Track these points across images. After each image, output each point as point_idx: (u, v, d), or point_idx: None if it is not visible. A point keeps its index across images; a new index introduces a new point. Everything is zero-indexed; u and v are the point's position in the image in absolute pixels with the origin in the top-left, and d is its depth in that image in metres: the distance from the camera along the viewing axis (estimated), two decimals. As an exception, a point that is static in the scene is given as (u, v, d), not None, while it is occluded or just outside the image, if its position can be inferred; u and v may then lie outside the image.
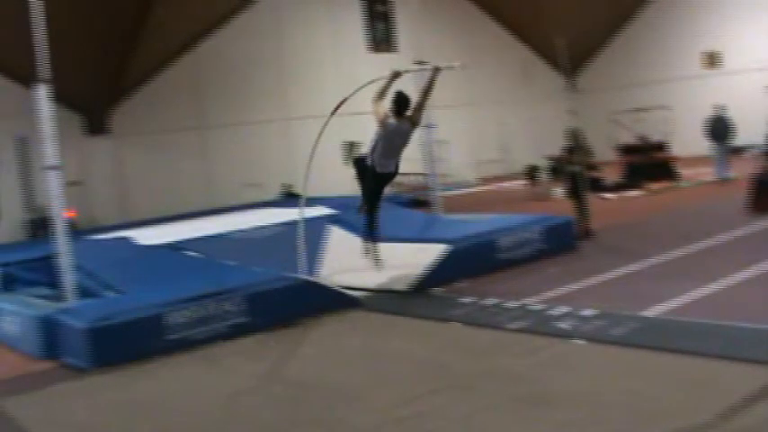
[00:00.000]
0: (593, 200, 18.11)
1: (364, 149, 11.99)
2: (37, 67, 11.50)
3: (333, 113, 12.81)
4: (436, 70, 12.20)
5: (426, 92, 12.07)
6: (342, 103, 12.84)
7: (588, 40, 37.42)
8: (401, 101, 11.72)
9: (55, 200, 11.63)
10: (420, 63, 12.72)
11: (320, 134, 12.85)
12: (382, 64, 32.58)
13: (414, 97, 12.00)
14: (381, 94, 11.95)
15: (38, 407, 8.86)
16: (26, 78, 21.56)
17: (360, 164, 12.51)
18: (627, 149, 26.53)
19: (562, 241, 14.60)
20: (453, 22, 35.69)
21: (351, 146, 29.84)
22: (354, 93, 12.72)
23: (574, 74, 38.56)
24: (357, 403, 7.73)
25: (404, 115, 11.74)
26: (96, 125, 26.73)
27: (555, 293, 11.28)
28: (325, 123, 12.79)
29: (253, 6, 29.49)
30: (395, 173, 12.32)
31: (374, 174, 12.04)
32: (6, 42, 22.78)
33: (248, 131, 28.07)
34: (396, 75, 12.14)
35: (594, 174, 21.57)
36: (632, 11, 37.67)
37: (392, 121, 11.66)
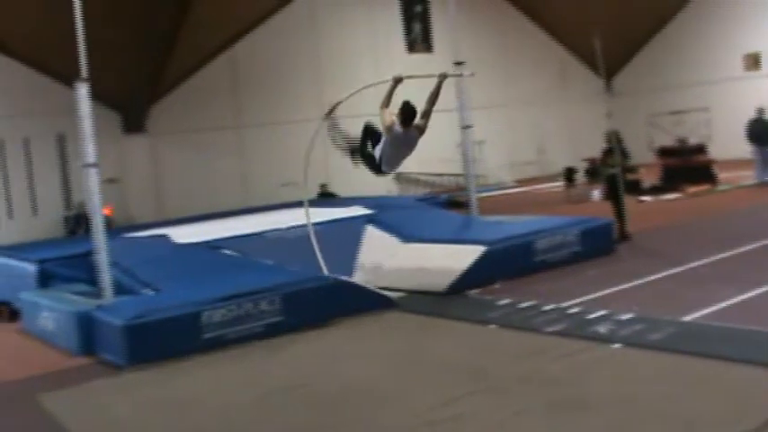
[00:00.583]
0: (631, 203, 17.95)
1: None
2: (77, 66, 11.57)
3: (327, 116, 12.81)
4: (442, 77, 12.18)
5: (433, 99, 12.07)
6: (335, 106, 12.82)
7: (627, 41, 37.14)
8: (408, 112, 11.63)
9: (93, 197, 11.69)
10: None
11: (312, 139, 12.81)
12: (419, 64, 32.70)
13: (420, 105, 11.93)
14: (386, 101, 11.89)
15: (75, 403, 8.90)
16: (66, 77, 21.75)
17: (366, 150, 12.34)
18: (665, 152, 26.27)
19: (600, 244, 14.47)
20: (490, 22, 35.54)
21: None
22: (350, 96, 12.71)
23: (612, 75, 38.28)
24: (392, 405, 7.68)
25: (410, 125, 11.66)
26: (134, 123, 26.90)
27: (592, 297, 11.18)
28: (318, 128, 12.78)
29: (290, 6, 29.55)
30: None
31: (378, 169, 12.01)
32: (47, 42, 23.01)
33: (285, 131, 28.07)
34: (398, 80, 12.12)
35: (632, 176, 21.39)
36: (672, 12, 37.31)
37: (398, 128, 11.59)
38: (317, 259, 12.55)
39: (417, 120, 11.63)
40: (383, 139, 11.69)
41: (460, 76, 12.63)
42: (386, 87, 12.05)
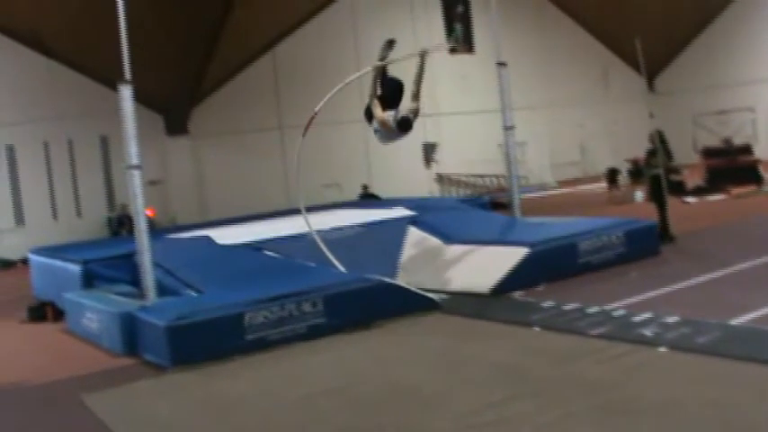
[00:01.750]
0: (675, 204, 17.76)
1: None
2: (120, 68, 11.64)
3: (307, 127, 12.81)
4: (423, 53, 12.17)
5: (419, 79, 12.18)
6: (314, 116, 12.79)
7: (670, 40, 36.84)
8: (393, 97, 11.89)
9: (136, 198, 11.76)
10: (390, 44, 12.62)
11: (299, 149, 12.82)
12: (461, 64, 32.61)
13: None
14: (373, 94, 11.93)
15: (118, 403, 8.94)
16: (109, 79, 21.96)
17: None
18: (710, 152, 25.96)
19: (644, 246, 14.31)
20: (532, 23, 35.44)
21: (431, 147, 29.80)
22: (334, 93, 12.69)
23: (655, 75, 37.97)
24: (435, 408, 7.62)
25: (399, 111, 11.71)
26: (176, 125, 27.11)
27: (637, 299, 11.05)
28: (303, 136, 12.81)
29: (332, 7, 29.60)
30: None
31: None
32: (91, 44, 23.24)
33: (327, 132, 28.10)
34: (378, 69, 12.14)
35: (676, 177, 21.17)
36: (716, 10, 36.95)
37: (393, 124, 11.63)
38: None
39: (408, 105, 11.57)
40: (378, 134, 11.95)
41: (442, 49, 12.66)
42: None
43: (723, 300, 10.67)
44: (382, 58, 12.64)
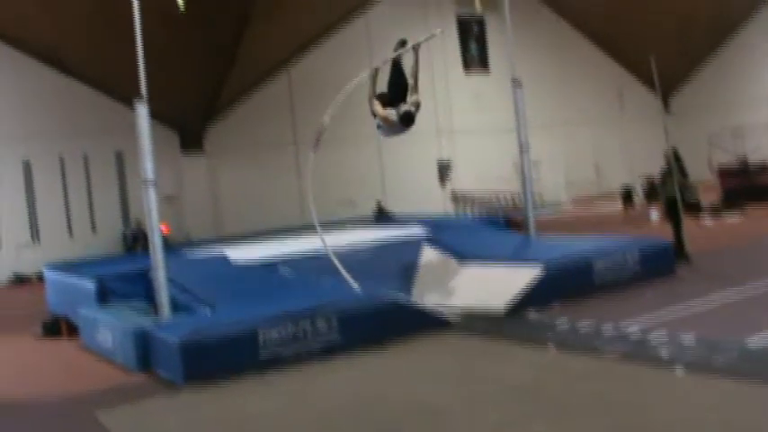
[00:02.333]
0: (691, 223, 17.69)
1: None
2: (136, 85, 11.69)
3: (315, 146, 12.78)
4: (416, 46, 12.27)
5: (416, 72, 12.17)
6: (321, 133, 12.76)
7: (685, 59, 36.85)
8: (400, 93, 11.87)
9: (151, 215, 11.78)
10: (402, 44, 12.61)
11: (311, 165, 12.78)
12: (475, 83, 32.71)
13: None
14: (372, 96, 11.94)
15: (132, 420, 8.93)
16: (125, 96, 22.06)
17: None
18: (726, 171, 25.88)
19: (659, 265, 14.25)
20: (547, 42, 35.49)
21: (446, 166, 29.83)
22: (336, 104, 12.67)
23: (670, 94, 37.93)
24: (450, 427, 7.59)
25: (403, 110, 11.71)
26: (192, 142, 27.19)
27: (652, 318, 10.99)
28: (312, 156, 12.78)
29: (347, 24, 29.67)
30: None
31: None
32: (108, 62, 23.34)
33: (341, 148, 28.17)
34: (375, 72, 12.17)
35: (691, 196, 21.09)
36: (730, 29, 36.93)
37: (395, 118, 11.64)
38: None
39: (409, 99, 11.69)
40: (381, 130, 12.03)
41: (433, 37, 12.59)
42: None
43: (739, 319, 10.60)
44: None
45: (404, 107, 11.75)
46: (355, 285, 12.13)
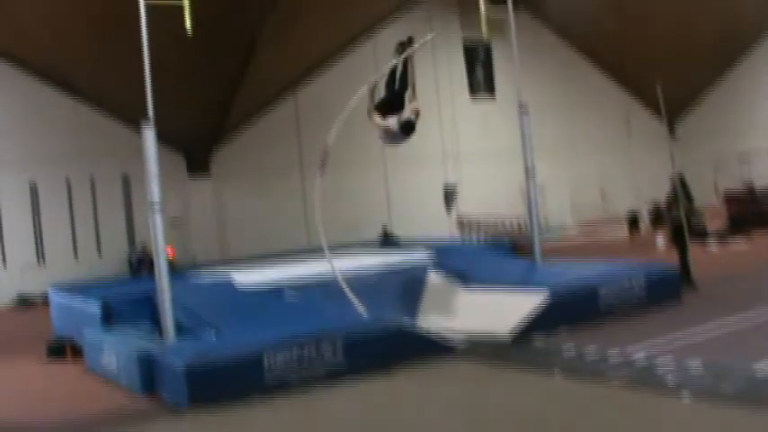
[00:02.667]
0: (697, 249, 17.65)
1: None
2: (143, 108, 11.72)
3: (322, 168, 12.81)
4: (411, 55, 12.59)
5: (413, 81, 12.38)
6: (327, 155, 12.78)
7: (692, 84, 36.91)
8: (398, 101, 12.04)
9: (157, 238, 11.78)
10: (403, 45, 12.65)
11: (317, 188, 12.87)
12: (482, 109, 32.78)
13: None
14: (371, 109, 12.02)
15: (136, 445, 8.91)
16: (132, 119, 22.14)
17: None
18: (732, 197, 25.84)
19: (665, 291, 14.21)
20: (554, 67, 35.57)
21: (452, 191, 29.85)
22: (339, 122, 12.71)
23: (676, 118, 37.97)
24: (455, 453, 7.56)
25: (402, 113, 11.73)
26: (198, 165, 27.25)
27: (659, 345, 10.94)
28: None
29: (353, 51, 29.76)
30: None
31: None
32: (116, 84, 23.42)
33: (348, 174, 28.18)
34: (373, 86, 12.20)
35: (697, 222, 21.06)
36: (736, 55, 37.02)
37: (396, 128, 11.66)
38: (361, 304, 12.46)
39: (409, 106, 11.91)
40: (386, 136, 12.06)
41: (425, 43, 12.62)
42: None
43: (746, 346, 10.55)
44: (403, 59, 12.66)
45: (404, 115, 11.79)
46: (362, 310, 12.13)
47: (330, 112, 28.95)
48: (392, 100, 12.18)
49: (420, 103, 12.28)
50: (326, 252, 12.97)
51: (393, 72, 12.54)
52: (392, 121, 11.91)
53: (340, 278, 12.72)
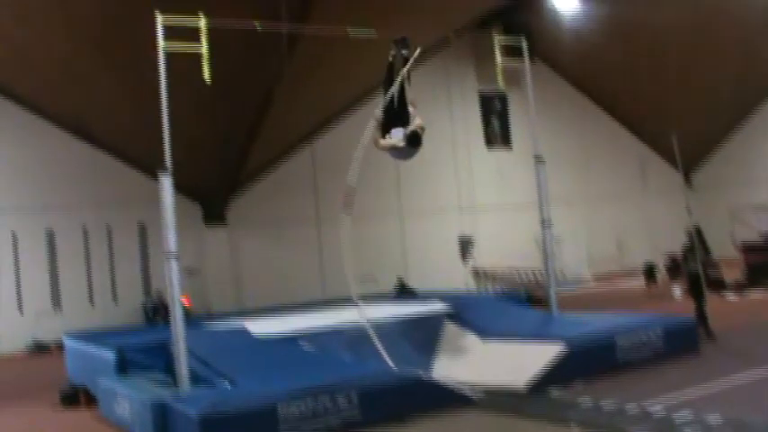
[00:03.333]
0: (714, 300, 17.54)
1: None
2: (161, 157, 11.79)
3: (348, 207, 12.82)
4: (408, 76, 12.36)
5: (412, 101, 12.38)
6: (350, 195, 12.78)
7: (707, 134, 36.98)
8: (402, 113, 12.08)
9: (172, 286, 11.78)
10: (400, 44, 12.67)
11: (345, 233, 12.86)
12: (498, 160, 32.83)
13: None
14: (378, 140, 12.20)
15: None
16: (149, 168, 22.26)
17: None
18: (749, 247, 25.70)
19: (683, 343, 14.11)
20: (569, 118, 35.68)
21: (468, 242, 29.81)
22: (357, 161, 12.74)
23: (692, 169, 37.97)
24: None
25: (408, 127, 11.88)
26: (214, 215, 27.32)
27: (677, 397, 10.83)
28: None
29: (369, 101, 29.90)
30: None
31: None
32: (133, 133, 23.60)
33: (364, 225, 28.16)
34: (381, 119, 12.12)
35: (714, 273, 20.96)
36: (752, 105, 37.09)
37: (402, 143, 11.75)
38: (387, 355, 12.40)
39: (414, 123, 11.94)
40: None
41: (415, 57, 12.63)
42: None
43: (766, 399, 10.44)
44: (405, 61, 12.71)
45: (410, 128, 11.86)
46: (391, 363, 12.06)
47: (346, 162, 29.07)
48: (393, 118, 12.19)
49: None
50: (354, 296, 12.95)
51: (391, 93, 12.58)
52: (398, 137, 11.97)
53: (369, 328, 12.65)
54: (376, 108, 12.49)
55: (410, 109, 12.21)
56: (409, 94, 12.40)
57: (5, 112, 24.85)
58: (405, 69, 12.43)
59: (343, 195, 12.85)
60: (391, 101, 12.29)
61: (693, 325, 14.86)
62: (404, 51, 12.62)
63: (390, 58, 12.71)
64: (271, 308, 19.82)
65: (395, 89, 12.27)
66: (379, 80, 12.85)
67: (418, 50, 12.73)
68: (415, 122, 12.06)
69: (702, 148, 37.92)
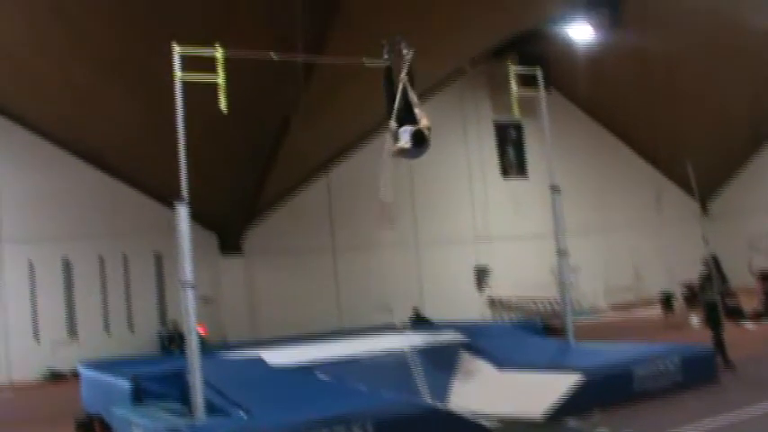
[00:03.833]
0: (732, 329, 17.44)
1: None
2: (177, 186, 11.83)
3: (386, 220, 12.84)
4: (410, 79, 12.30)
5: (414, 101, 12.26)
6: (386, 209, 12.78)
7: (724, 163, 36.87)
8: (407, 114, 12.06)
9: (188, 316, 11.78)
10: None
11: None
12: (513, 189, 32.79)
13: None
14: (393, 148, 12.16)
15: None
16: (165, 197, 22.33)
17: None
18: (767, 276, 25.56)
19: (701, 372, 14.02)
20: (585, 147, 35.62)
21: (484, 272, 29.75)
22: (385, 178, 12.76)
23: (709, 198, 37.85)
24: None
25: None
26: (230, 244, 27.36)
27: (695, 428, 10.75)
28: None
29: (385, 130, 29.95)
30: None
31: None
32: (150, 162, 23.70)
33: (379, 255, 28.15)
34: (393, 130, 12.18)
35: (732, 301, 20.85)
36: (768, 132, 37.03)
37: (408, 145, 11.83)
38: (417, 385, 12.36)
39: (420, 121, 11.93)
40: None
41: (408, 60, 12.60)
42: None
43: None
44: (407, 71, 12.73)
45: (416, 127, 11.90)
46: (427, 395, 12.02)
47: (361, 191, 29.29)
48: (402, 122, 12.22)
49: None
50: (397, 323, 12.95)
51: (392, 100, 12.59)
52: (405, 138, 11.99)
53: (410, 357, 12.61)
54: (390, 120, 12.52)
55: (416, 110, 12.19)
56: (413, 96, 12.41)
57: (22, 140, 24.98)
58: (403, 74, 12.46)
59: (378, 211, 12.87)
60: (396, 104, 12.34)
61: (712, 354, 14.77)
62: (404, 51, 12.62)
63: (386, 58, 12.73)
64: (287, 338, 19.79)
65: (398, 96, 12.31)
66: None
67: (411, 53, 12.73)
68: (422, 123, 12.08)
69: (719, 176, 37.81)
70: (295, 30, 18.42)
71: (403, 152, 12.05)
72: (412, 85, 12.40)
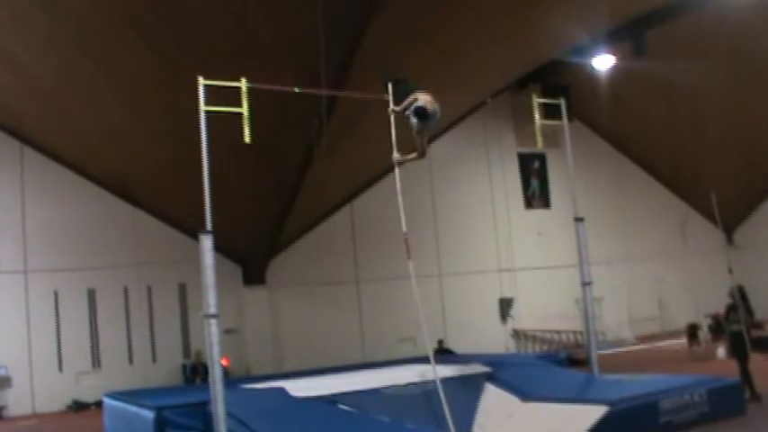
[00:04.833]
0: (759, 360, 17.26)
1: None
2: (201, 217, 11.89)
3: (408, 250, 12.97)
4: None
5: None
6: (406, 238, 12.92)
7: (749, 193, 36.67)
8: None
9: (212, 347, 11.80)
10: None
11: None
12: (537, 219, 32.72)
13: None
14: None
15: None
16: (190, 228, 22.44)
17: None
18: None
19: (729, 405, 13.89)
20: (608, 177, 35.52)
21: (507, 302, 29.66)
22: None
23: (734, 228, 37.61)
24: None
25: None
26: (253, 276, 27.42)
27: (723, 462, 10.64)
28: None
29: (409, 163, 30.02)
30: None
31: None
32: (175, 194, 23.84)
33: (403, 286, 28.06)
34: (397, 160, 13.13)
35: (758, 333, 20.67)
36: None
37: (414, 121, 12.80)
38: (441, 417, 12.29)
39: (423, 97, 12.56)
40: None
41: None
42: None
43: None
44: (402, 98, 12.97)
45: (417, 104, 12.11)
46: (451, 427, 11.94)
47: (385, 221, 29.27)
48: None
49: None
50: (430, 351, 12.91)
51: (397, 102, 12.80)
52: (413, 121, 12.26)
53: (440, 388, 12.52)
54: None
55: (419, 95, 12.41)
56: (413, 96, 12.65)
57: (48, 172, 25.20)
58: (391, 108, 12.80)
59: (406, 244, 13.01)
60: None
61: (738, 386, 14.63)
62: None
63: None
64: (310, 370, 19.77)
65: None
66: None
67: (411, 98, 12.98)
68: (424, 97, 12.31)
69: (744, 206, 37.60)
70: (318, 63, 18.51)
71: (419, 134, 12.27)
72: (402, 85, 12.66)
